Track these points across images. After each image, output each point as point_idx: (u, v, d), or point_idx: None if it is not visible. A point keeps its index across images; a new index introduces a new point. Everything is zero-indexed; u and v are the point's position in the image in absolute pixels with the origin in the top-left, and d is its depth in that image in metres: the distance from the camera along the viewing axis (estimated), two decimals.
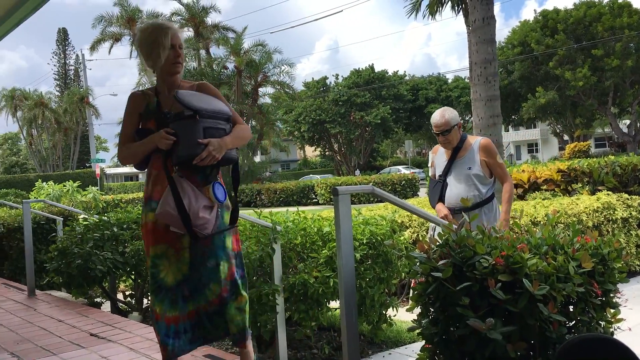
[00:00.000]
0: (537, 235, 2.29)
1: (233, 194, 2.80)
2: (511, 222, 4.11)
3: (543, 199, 7.39)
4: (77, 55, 69.14)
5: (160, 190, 2.71)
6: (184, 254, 2.71)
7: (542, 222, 5.46)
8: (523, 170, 8.79)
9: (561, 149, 49.36)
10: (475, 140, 4.13)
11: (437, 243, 2.20)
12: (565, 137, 49.00)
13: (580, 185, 7.97)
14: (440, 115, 4.08)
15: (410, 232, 6.43)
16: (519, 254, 2.00)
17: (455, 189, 4.04)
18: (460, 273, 2.05)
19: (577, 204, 6.49)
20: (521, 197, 8.33)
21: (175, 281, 2.70)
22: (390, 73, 52.59)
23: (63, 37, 70.91)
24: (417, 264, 2.18)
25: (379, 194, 2.64)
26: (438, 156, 4.30)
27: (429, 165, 4.47)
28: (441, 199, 4.11)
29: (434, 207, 4.23)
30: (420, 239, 6.03)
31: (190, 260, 2.71)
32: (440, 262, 2.08)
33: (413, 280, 2.21)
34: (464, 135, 4.16)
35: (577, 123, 44.82)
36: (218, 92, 2.94)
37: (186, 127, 2.60)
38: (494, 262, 1.99)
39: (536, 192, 8.16)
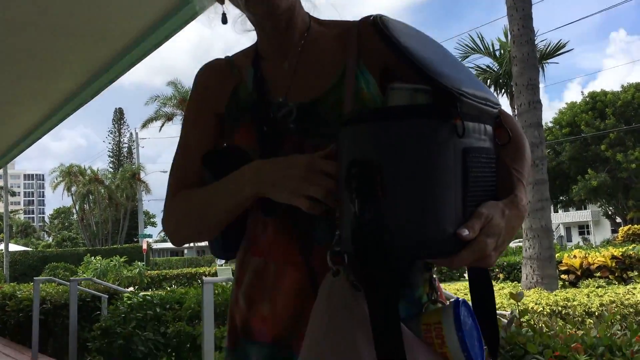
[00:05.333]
0: (593, 333, 2.17)
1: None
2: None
3: (597, 287, 7.09)
4: (131, 134, 72.19)
5: (281, 315, 1.05)
6: None
7: (596, 313, 5.22)
8: (575, 256, 8.49)
9: (614, 231, 47.73)
10: None
11: None
12: (618, 220, 47.48)
13: (637, 273, 7.63)
14: None
15: None
16: (574, 355, 1.89)
17: None
18: None
19: (634, 294, 6.19)
20: (574, 284, 8.01)
21: None
22: None
23: (119, 116, 74.37)
24: None
25: None
26: None
27: None
28: None
29: None
30: None
31: None
32: None
33: None
34: None
35: (629, 205, 43.56)
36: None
37: (416, 148, 0.77)
38: None
39: (589, 279, 7.84)
